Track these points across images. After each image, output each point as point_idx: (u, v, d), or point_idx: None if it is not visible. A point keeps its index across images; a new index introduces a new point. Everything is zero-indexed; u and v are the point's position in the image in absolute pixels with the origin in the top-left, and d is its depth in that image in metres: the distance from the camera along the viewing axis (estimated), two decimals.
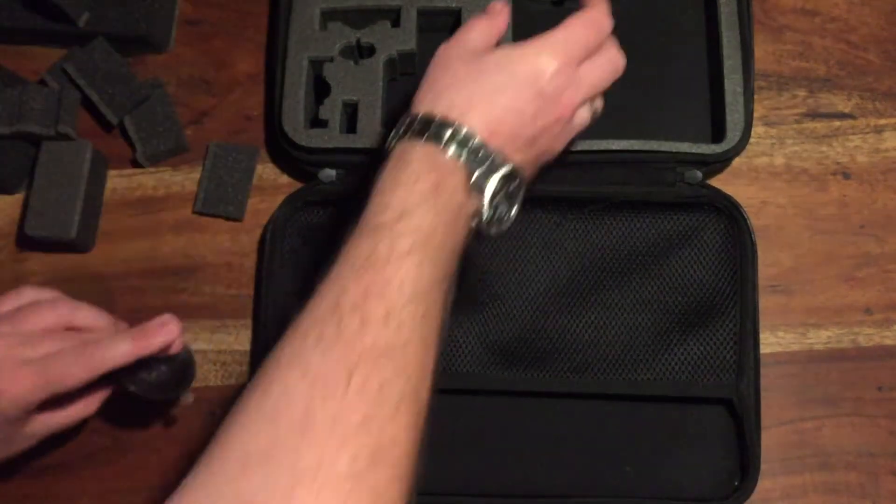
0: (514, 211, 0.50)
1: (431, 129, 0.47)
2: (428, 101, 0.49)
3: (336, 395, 0.39)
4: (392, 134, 0.49)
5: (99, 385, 0.54)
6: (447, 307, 0.45)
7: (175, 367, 0.56)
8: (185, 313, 0.64)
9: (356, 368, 0.39)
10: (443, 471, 0.60)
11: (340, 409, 0.38)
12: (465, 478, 0.60)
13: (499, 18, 0.53)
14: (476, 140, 0.47)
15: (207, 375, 0.64)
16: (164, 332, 0.53)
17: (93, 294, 0.65)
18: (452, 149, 0.46)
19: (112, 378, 0.54)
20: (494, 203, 0.48)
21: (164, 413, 0.63)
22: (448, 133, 0.46)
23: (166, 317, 0.54)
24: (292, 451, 0.37)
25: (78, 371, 0.51)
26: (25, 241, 0.65)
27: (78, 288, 0.65)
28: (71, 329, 0.55)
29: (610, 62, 0.53)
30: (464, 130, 0.47)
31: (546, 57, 0.49)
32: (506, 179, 0.48)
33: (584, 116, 0.54)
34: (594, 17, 0.51)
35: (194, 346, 0.64)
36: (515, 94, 0.49)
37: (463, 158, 0.46)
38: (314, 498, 0.36)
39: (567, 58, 0.50)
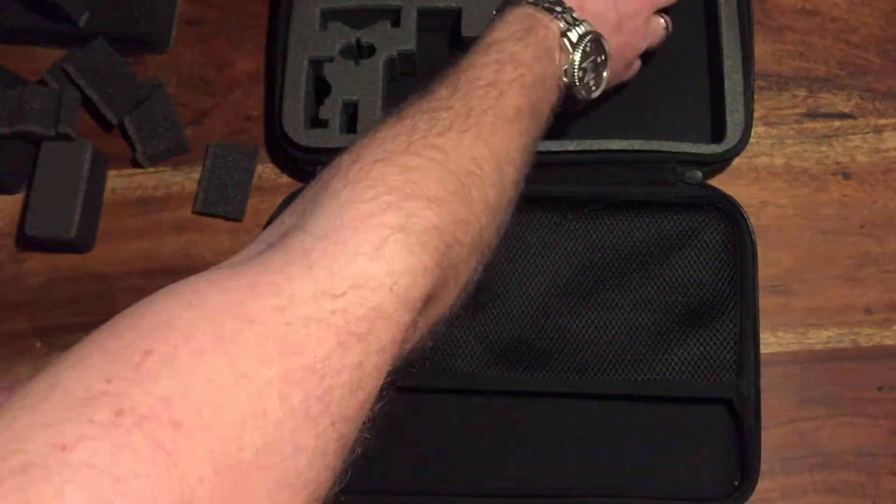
0: (601, 82, 0.55)
1: None
2: None
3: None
4: (489, 19, 0.53)
5: None
6: (530, 144, 0.48)
7: None
8: None
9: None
10: (443, 471, 0.60)
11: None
12: (465, 478, 0.60)
13: None
14: (568, 6, 0.52)
15: None
16: None
17: (93, 294, 0.65)
18: (546, 8, 0.51)
19: None
20: (583, 66, 0.52)
21: None
22: None
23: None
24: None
25: None
26: (25, 242, 0.65)
27: (78, 288, 0.66)
28: None
29: None
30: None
31: None
32: (594, 45, 0.52)
33: (659, 26, 0.60)
34: None
35: None
36: None
37: (556, 15, 0.51)
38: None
39: None
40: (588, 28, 0.52)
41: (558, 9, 0.51)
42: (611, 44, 0.55)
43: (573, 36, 0.51)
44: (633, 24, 0.57)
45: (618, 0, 0.55)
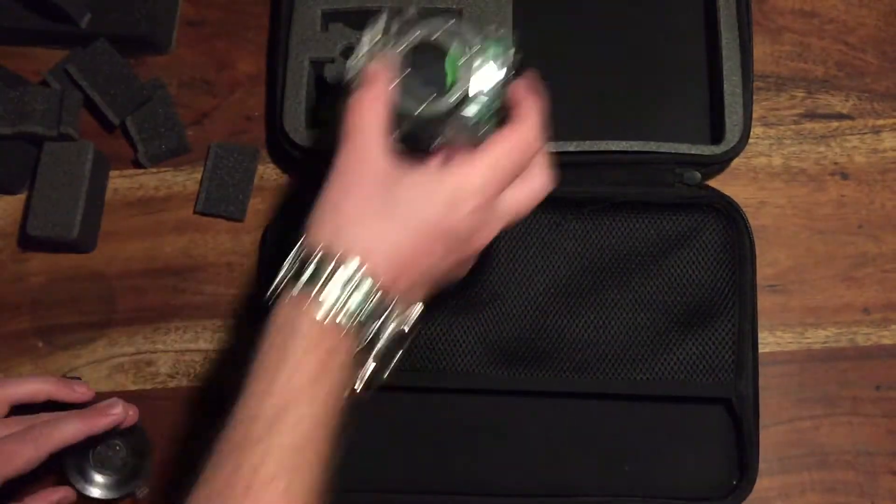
0: (388, 369, 0.46)
1: (327, 273, 0.42)
2: (329, 232, 0.44)
3: None
4: (284, 272, 0.44)
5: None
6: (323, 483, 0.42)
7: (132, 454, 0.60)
8: (186, 313, 0.65)
9: None
10: (442, 470, 0.60)
11: None
12: (465, 477, 0.60)
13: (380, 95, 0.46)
14: (376, 293, 0.43)
15: (208, 375, 0.64)
16: (113, 414, 0.56)
17: (94, 294, 0.66)
18: (346, 304, 0.42)
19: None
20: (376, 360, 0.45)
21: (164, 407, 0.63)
22: (345, 279, 0.42)
23: (114, 400, 0.57)
24: None
25: (28, 451, 0.52)
26: (27, 242, 0.66)
27: (79, 288, 0.66)
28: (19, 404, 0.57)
29: (533, 193, 0.48)
30: (364, 280, 0.43)
31: (463, 194, 0.44)
32: (397, 339, 0.45)
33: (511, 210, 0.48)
34: (523, 137, 0.46)
35: (195, 346, 0.65)
36: (426, 234, 0.44)
37: (357, 319, 0.43)
38: None
39: (486, 197, 0.45)
40: (390, 317, 0.44)
41: (354, 289, 0.42)
42: (429, 294, 0.47)
43: (371, 343, 0.44)
44: (461, 266, 0.48)
45: (446, 253, 0.45)
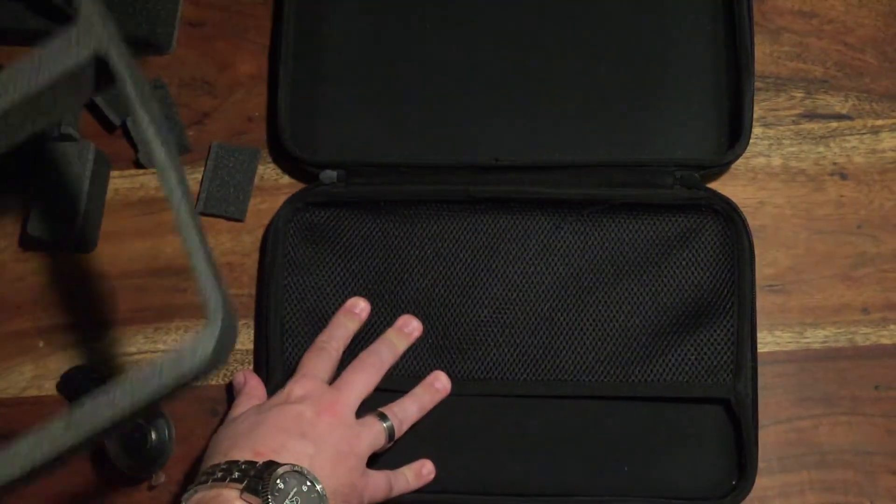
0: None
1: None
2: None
3: None
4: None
5: None
6: None
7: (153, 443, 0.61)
8: (187, 313, 0.65)
9: None
10: (442, 470, 0.60)
11: None
12: (464, 477, 0.60)
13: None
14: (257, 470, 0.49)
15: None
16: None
17: (95, 294, 0.66)
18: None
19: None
20: None
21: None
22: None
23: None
24: None
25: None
26: (28, 242, 0.66)
27: (80, 288, 0.66)
28: None
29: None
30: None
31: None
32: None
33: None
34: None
35: None
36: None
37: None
38: None
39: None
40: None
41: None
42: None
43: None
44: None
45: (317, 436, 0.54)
